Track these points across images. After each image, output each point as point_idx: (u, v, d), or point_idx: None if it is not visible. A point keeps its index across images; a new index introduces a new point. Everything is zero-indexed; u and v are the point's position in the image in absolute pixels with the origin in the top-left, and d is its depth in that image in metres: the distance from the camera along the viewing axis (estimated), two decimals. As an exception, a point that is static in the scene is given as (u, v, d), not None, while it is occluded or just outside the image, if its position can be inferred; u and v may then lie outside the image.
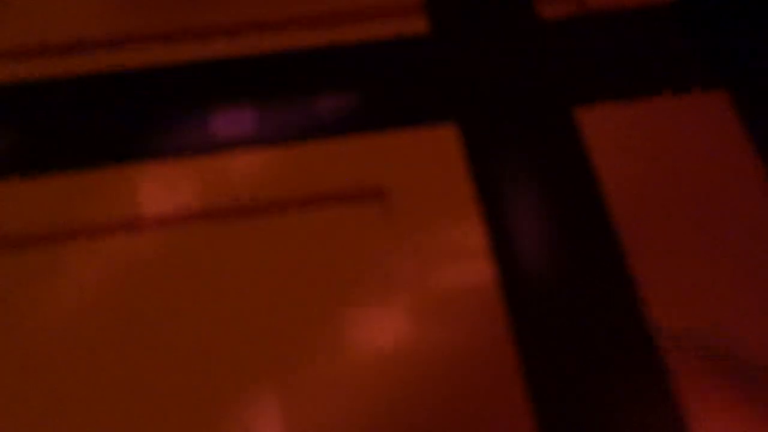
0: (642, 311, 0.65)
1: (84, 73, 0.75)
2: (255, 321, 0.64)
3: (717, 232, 0.69)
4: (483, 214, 0.68)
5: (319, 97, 0.73)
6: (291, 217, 0.68)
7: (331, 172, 0.70)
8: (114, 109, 0.73)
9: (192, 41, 0.77)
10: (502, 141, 0.72)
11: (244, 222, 0.68)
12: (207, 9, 0.78)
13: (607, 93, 0.74)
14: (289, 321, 0.64)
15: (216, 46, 0.76)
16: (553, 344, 0.63)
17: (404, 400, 0.61)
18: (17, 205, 0.69)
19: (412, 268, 0.66)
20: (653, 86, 0.76)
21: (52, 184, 0.70)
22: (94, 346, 0.63)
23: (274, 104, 0.73)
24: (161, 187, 0.70)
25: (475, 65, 0.75)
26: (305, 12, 0.78)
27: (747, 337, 0.64)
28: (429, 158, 0.71)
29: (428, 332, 0.64)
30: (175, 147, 0.71)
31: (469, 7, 0.78)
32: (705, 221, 0.70)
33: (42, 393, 0.61)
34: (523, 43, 0.76)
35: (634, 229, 0.69)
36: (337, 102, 0.73)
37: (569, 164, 0.70)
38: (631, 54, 0.77)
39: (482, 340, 0.63)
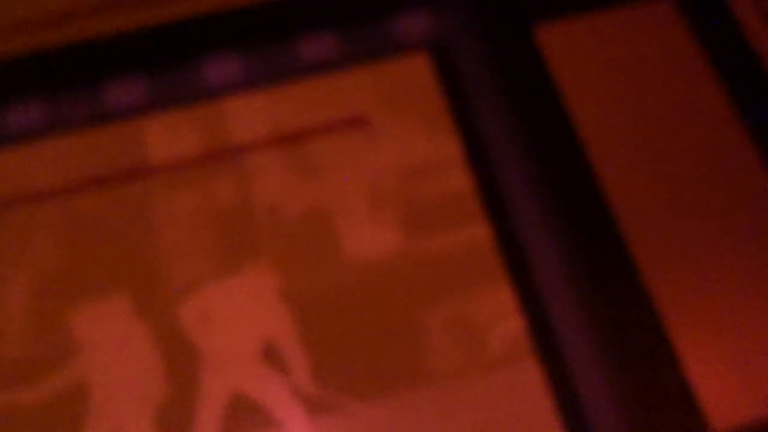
0: (610, 214, 0.71)
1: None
2: (264, 243, 0.71)
3: (675, 135, 0.76)
4: (457, 129, 0.75)
5: (300, 38, 0.80)
6: (284, 150, 0.75)
7: (318, 107, 0.77)
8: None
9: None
10: (469, 61, 0.78)
11: (244, 158, 0.75)
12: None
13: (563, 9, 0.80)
14: (291, 236, 0.71)
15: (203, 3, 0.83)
16: (530, 241, 0.70)
17: (397, 303, 0.68)
18: (41, 163, 0.76)
19: (397, 182, 0.73)
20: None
21: (67, 142, 0.77)
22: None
23: (260, 50, 0.80)
24: (165, 134, 0.77)
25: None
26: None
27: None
28: (406, 85, 0.77)
29: (415, 238, 0.70)
30: (173, 97, 0.78)
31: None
32: (664, 127, 0.76)
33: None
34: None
35: (596, 135, 0.75)
36: (318, 42, 0.80)
37: (533, 78, 0.76)
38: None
39: (463, 240, 0.70)
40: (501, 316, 0.67)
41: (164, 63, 0.80)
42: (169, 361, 0.68)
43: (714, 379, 0.64)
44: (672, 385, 0.64)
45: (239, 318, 0.69)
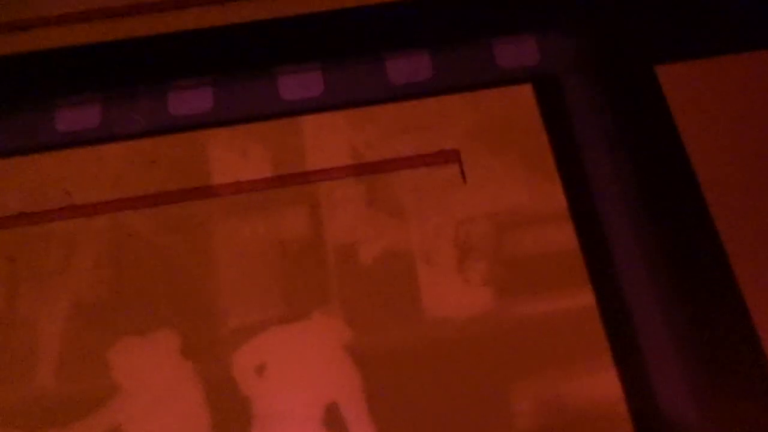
0: (728, 263, 0.62)
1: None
2: (334, 288, 0.63)
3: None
4: (561, 174, 0.66)
5: (389, 57, 0.71)
6: (363, 182, 0.67)
7: (405, 136, 0.68)
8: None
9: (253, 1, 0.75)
10: (579, 98, 0.69)
11: (318, 187, 0.66)
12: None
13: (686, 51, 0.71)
14: (365, 281, 0.63)
15: (279, 4, 0.74)
16: (638, 314, 0.61)
17: (480, 373, 0.60)
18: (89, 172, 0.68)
19: (490, 230, 0.64)
20: (730, 44, 0.72)
21: (120, 150, 0.69)
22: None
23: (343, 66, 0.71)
24: (230, 152, 0.69)
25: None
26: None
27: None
28: (505, 118, 0.68)
29: (506, 298, 0.62)
30: (243, 111, 0.70)
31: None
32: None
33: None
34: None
35: (714, 180, 0.66)
36: (408, 62, 0.71)
37: (652, 122, 0.67)
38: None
39: (563, 307, 0.61)
40: (603, 402, 0.57)
41: (235, 71, 0.72)
42: (217, 414, 0.59)
43: None
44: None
45: (299, 373, 0.60)
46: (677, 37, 0.72)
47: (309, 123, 0.69)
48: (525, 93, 0.70)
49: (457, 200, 0.65)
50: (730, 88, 0.70)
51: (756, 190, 0.65)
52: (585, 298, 0.61)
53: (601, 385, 0.58)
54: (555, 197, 0.65)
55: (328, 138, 0.69)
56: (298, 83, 0.71)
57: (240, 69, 0.72)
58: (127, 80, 0.72)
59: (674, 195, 0.65)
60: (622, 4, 0.73)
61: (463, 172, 0.67)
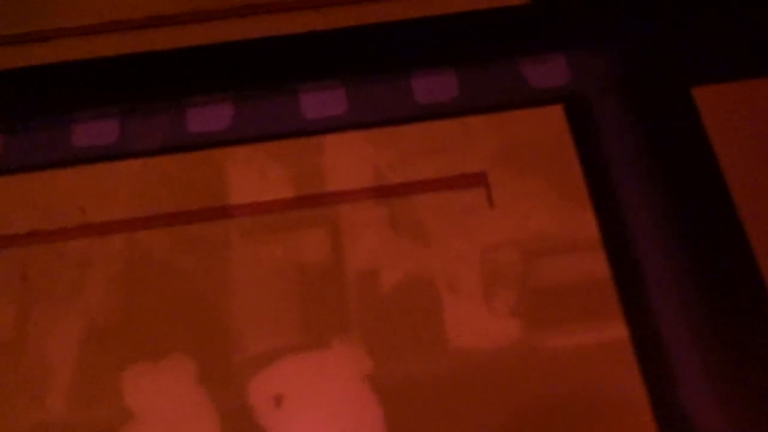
0: (766, 295, 0.60)
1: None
2: (354, 316, 0.60)
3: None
4: (592, 200, 0.63)
5: (414, 75, 0.69)
6: (386, 205, 0.65)
7: (429, 157, 0.66)
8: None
9: (274, 14, 0.73)
10: (612, 120, 0.67)
11: (339, 209, 0.64)
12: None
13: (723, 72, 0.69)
14: (387, 309, 0.60)
15: (300, 18, 0.72)
16: (672, 346, 0.58)
17: (507, 408, 0.57)
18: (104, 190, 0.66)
19: (517, 258, 0.61)
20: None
21: (137, 168, 0.67)
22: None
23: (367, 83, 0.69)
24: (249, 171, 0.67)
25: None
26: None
27: None
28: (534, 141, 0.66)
29: (534, 330, 0.59)
30: (263, 129, 0.68)
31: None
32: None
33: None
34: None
35: (753, 207, 0.63)
36: (434, 81, 0.69)
37: (689, 146, 0.65)
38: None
39: (593, 341, 0.58)
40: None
41: (256, 87, 0.70)
42: (232, 445, 0.57)
43: None
44: None
45: (318, 404, 0.58)
46: (714, 58, 0.69)
47: (331, 142, 0.67)
48: (554, 114, 0.67)
49: (483, 225, 0.63)
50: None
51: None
52: (617, 331, 0.59)
53: (634, 422, 0.56)
54: (585, 223, 0.63)
55: (350, 158, 0.66)
56: (320, 101, 0.69)
57: (261, 85, 0.70)
58: (145, 95, 0.70)
59: (711, 222, 0.63)
60: (656, 24, 0.71)
61: (489, 196, 0.64)
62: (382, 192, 0.65)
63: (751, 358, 0.58)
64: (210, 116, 0.69)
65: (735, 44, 0.70)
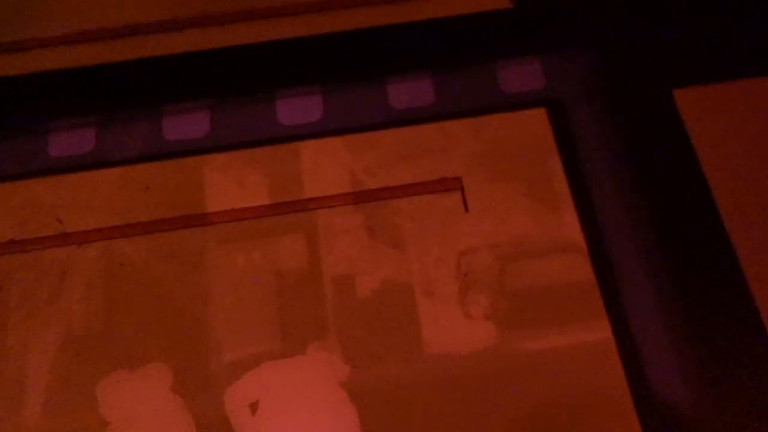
0: (750, 294, 0.59)
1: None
2: (331, 321, 0.60)
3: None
4: (571, 202, 0.63)
5: (390, 80, 0.69)
6: (362, 211, 0.65)
7: (405, 162, 0.66)
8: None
9: (249, 22, 0.73)
10: (591, 123, 0.67)
11: (315, 215, 0.64)
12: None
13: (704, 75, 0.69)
14: (363, 315, 0.60)
15: (275, 25, 0.72)
16: (647, 348, 0.58)
17: (483, 414, 0.57)
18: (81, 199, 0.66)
19: (494, 262, 0.61)
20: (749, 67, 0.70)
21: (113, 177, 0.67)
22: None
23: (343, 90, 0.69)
24: (225, 179, 0.66)
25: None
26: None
27: None
28: (510, 145, 0.66)
29: (511, 334, 0.59)
30: (239, 136, 0.68)
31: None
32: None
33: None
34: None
35: (734, 206, 0.63)
36: (410, 86, 0.69)
37: (669, 147, 0.65)
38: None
39: (571, 344, 0.58)
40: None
41: (232, 94, 0.70)
42: (208, 453, 0.57)
43: None
44: None
45: (294, 411, 0.58)
46: (696, 61, 0.69)
47: (308, 149, 0.67)
48: (531, 118, 0.67)
49: (459, 230, 0.63)
50: (750, 112, 0.67)
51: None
52: (593, 333, 0.59)
53: (615, 425, 0.56)
54: (561, 227, 0.63)
55: (327, 164, 0.66)
56: (296, 107, 0.69)
57: (237, 93, 0.70)
58: (122, 104, 0.70)
59: (692, 223, 0.62)
60: (634, 27, 0.71)
61: (465, 201, 0.64)
62: (359, 198, 0.65)
63: (737, 361, 0.58)
64: (187, 124, 0.69)
65: (717, 47, 0.71)
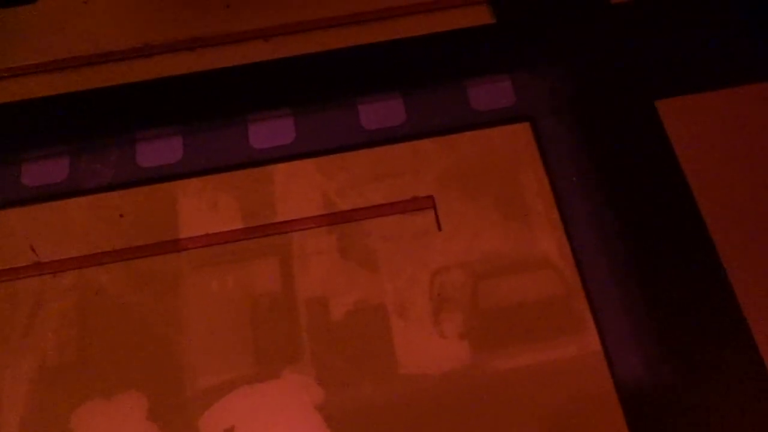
0: (736, 301, 0.59)
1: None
2: (305, 345, 0.60)
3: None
4: (557, 218, 0.63)
5: (361, 102, 0.69)
6: (335, 232, 0.64)
7: (377, 183, 0.66)
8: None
9: (219, 47, 0.73)
10: (560, 139, 0.67)
11: (289, 238, 0.64)
12: (235, 15, 0.75)
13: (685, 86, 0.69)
14: (337, 337, 0.60)
15: (245, 49, 0.72)
16: (619, 365, 0.58)
17: None
18: (55, 227, 0.66)
19: (467, 280, 0.61)
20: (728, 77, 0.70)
21: (86, 204, 0.67)
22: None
23: (314, 112, 0.69)
24: (199, 204, 0.66)
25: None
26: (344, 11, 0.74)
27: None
28: (481, 163, 0.66)
29: (485, 353, 0.59)
30: (212, 161, 0.68)
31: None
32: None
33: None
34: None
35: (718, 213, 0.63)
36: (381, 107, 0.69)
37: (653, 155, 0.64)
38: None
39: (548, 361, 0.58)
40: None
41: (204, 119, 0.70)
42: (184, 480, 0.57)
43: None
44: None
45: (270, 435, 0.58)
46: (677, 72, 0.69)
47: (280, 172, 0.67)
48: (501, 135, 0.67)
49: (432, 249, 0.63)
50: (731, 121, 0.67)
51: (762, 224, 0.63)
52: (566, 350, 0.58)
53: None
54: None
55: (299, 187, 0.66)
56: (269, 131, 0.69)
57: (210, 117, 0.70)
58: (95, 131, 0.70)
59: (676, 232, 0.62)
60: (611, 41, 0.71)
61: (438, 219, 0.64)
62: (332, 219, 0.65)
63: (726, 379, 0.58)
64: (160, 150, 0.69)
65: (698, 58, 0.71)
